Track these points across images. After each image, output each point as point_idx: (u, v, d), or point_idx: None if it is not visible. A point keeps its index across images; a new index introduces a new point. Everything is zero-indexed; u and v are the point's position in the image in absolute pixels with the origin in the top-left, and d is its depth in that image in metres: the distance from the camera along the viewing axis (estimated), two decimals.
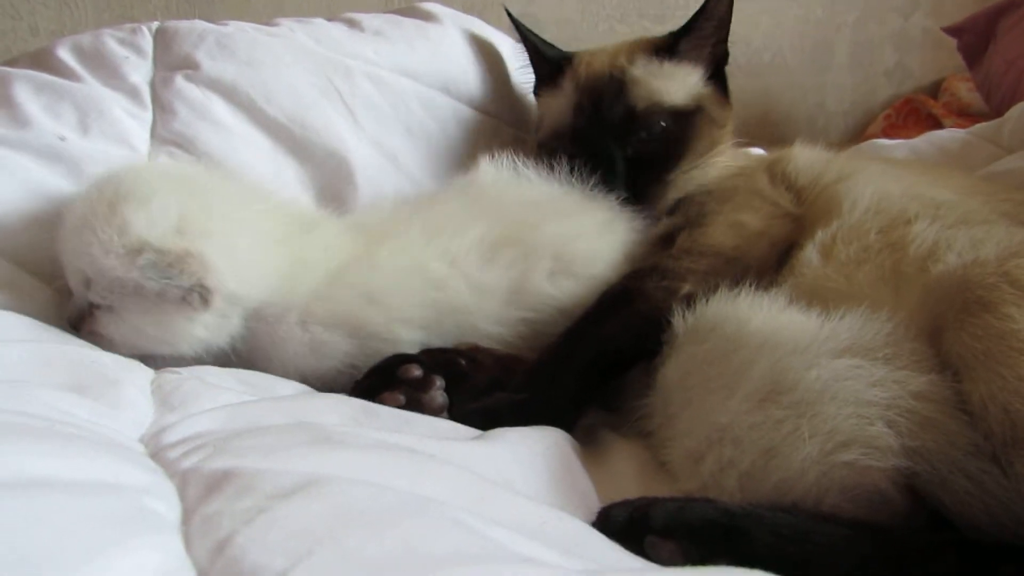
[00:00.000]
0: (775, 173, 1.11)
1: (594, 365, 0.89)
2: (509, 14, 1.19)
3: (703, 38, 1.16)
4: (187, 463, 0.55)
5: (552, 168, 1.04)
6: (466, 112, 1.25)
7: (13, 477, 0.38)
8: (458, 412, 0.86)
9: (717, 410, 0.75)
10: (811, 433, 0.67)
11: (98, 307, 0.84)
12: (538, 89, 1.23)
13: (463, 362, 0.94)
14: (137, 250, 0.80)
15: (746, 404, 0.74)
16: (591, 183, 1.04)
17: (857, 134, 2.54)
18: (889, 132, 2.20)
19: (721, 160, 1.16)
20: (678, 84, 1.13)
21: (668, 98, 1.12)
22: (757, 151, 1.52)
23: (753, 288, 0.86)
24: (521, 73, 1.28)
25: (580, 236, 0.99)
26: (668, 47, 1.15)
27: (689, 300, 0.88)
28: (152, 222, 0.81)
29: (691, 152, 1.12)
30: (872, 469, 0.65)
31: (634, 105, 1.11)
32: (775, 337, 0.78)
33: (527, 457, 0.74)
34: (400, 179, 1.13)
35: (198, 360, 0.86)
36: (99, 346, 0.84)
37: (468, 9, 2.30)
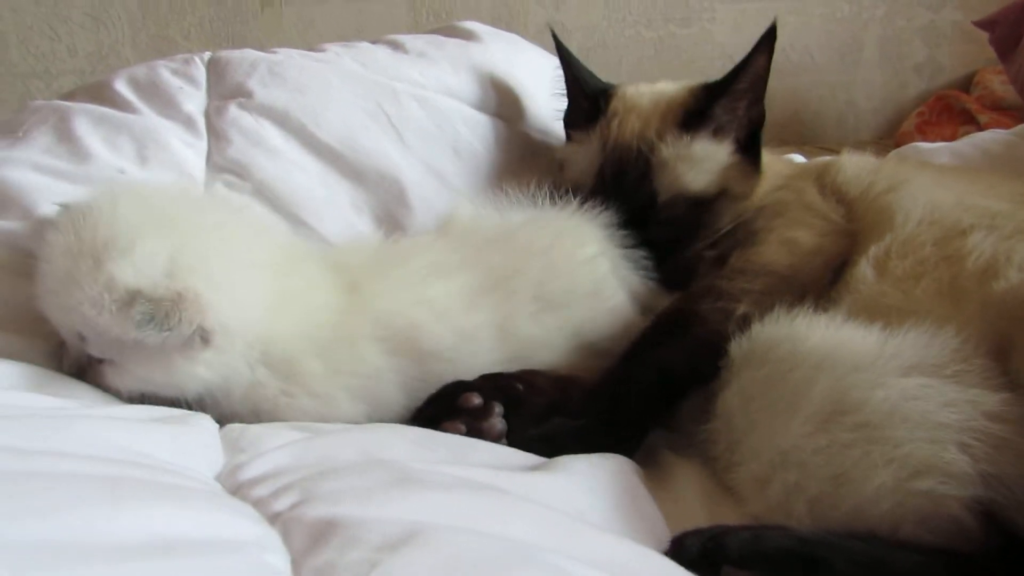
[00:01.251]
0: (824, 184, 1.10)
1: (653, 390, 0.89)
2: (555, 37, 1.18)
3: (736, 98, 1.09)
4: (279, 505, 0.56)
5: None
6: (509, 130, 1.26)
7: (147, 540, 0.39)
8: (518, 439, 0.87)
9: (779, 433, 0.75)
10: (883, 460, 0.67)
11: (100, 361, 0.81)
12: (569, 118, 1.20)
13: (520, 387, 0.95)
14: (129, 303, 0.75)
15: (808, 426, 0.74)
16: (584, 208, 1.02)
17: (889, 131, 2.53)
18: (923, 129, 2.18)
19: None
20: (705, 167, 1.08)
21: (692, 187, 1.07)
22: (797, 157, 1.52)
23: (809, 307, 0.85)
24: (555, 99, 1.24)
25: (560, 274, 0.97)
26: (701, 111, 1.09)
27: (745, 321, 0.88)
28: (139, 270, 0.76)
29: (709, 233, 1.07)
30: (949, 498, 0.65)
31: (656, 193, 1.07)
32: (835, 354, 0.78)
33: (595, 486, 0.75)
34: (450, 198, 1.14)
35: (202, 399, 0.83)
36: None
37: (496, 21, 2.32)
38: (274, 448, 0.75)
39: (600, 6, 2.41)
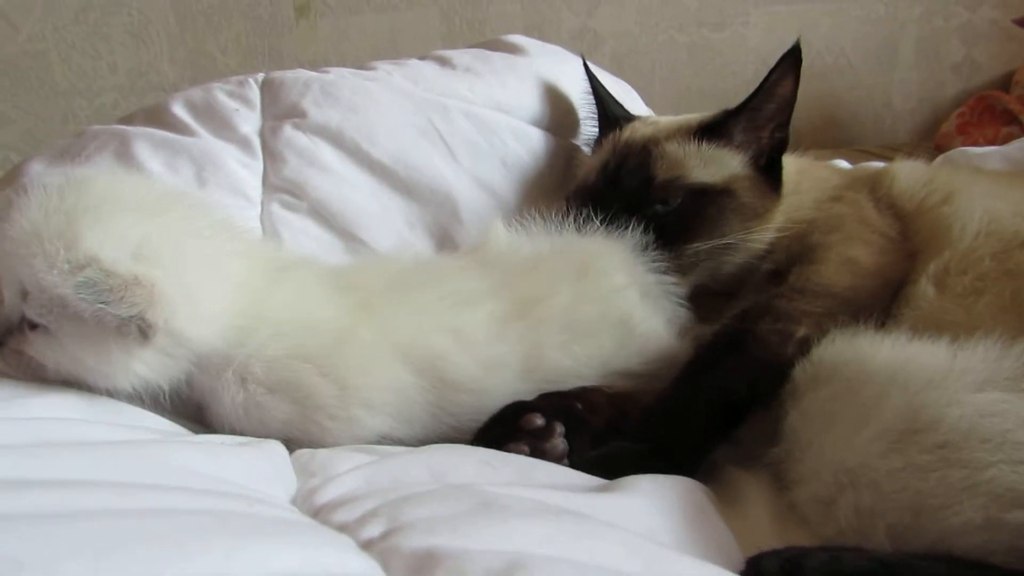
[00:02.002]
0: (879, 196, 1.08)
1: (713, 414, 0.89)
2: (585, 65, 1.19)
3: (759, 121, 1.07)
4: (370, 533, 0.57)
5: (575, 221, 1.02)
6: (555, 142, 1.27)
7: None
8: (579, 460, 0.86)
9: (842, 450, 0.74)
10: (967, 487, 0.65)
11: (34, 327, 0.76)
12: (596, 146, 1.20)
13: (579, 405, 0.95)
14: (82, 266, 0.71)
15: (878, 444, 0.72)
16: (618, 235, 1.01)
17: (926, 132, 2.50)
18: (964, 130, 2.16)
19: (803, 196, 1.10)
20: (709, 165, 1.06)
21: (691, 175, 1.06)
22: (842, 163, 1.50)
23: (870, 327, 0.84)
24: (586, 124, 1.25)
25: (589, 302, 0.95)
26: (716, 128, 1.08)
27: (804, 343, 0.88)
28: (106, 240, 0.73)
29: (708, 233, 1.03)
30: None
31: (653, 176, 1.06)
32: (905, 370, 0.76)
33: (666, 507, 0.74)
34: (500, 212, 1.15)
35: (134, 397, 0.80)
36: (18, 368, 0.78)
37: (529, 29, 2.32)
38: (345, 471, 0.75)
39: (632, 12, 2.41)
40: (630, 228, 1.01)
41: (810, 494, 0.76)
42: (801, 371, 0.86)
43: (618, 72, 1.21)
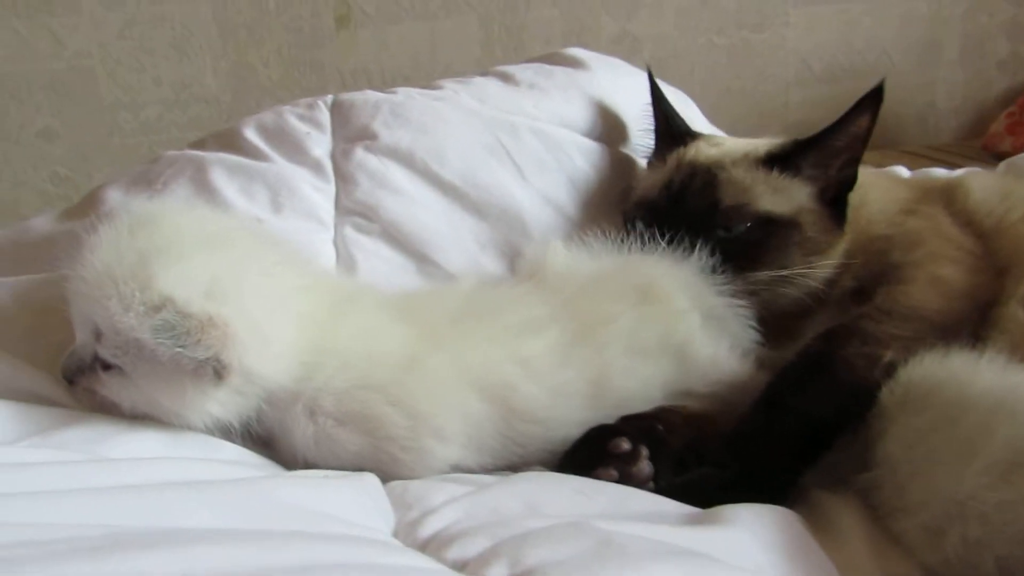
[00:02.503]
0: (955, 212, 1.07)
1: (800, 438, 0.88)
2: (650, 75, 1.18)
3: (830, 155, 1.04)
4: (495, 574, 0.57)
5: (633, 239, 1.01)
6: (617, 156, 1.26)
7: None
8: (666, 486, 0.86)
9: (952, 481, 0.73)
10: None
11: (107, 367, 0.76)
12: (653, 159, 1.18)
13: (660, 427, 0.95)
14: (157, 307, 0.72)
15: (987, 477, 0.71)
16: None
17: (971, 131, 2.47)
18: (1014, 130, 2.13)
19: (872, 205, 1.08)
20: (777, 195, 1.04)
21: (758, 203, 1.03)
22: (901, 170, 1.48)
23: (961, 348, 0.83)
24: (642, 136, 1.23)
25: (651, 325, 0.95)
26: (786, 157, 1.05)
27: (891, 368, 0.87)
28: (179, 280, 0.73)
29: (769, 263, 1.01)
30: None
31: (719, 200, 1.03)
32: (1010, 399, 0.75)
33: (769, 541, 0.74)
34: (568, 229, 1.14)
35: (206, 433, 0.80)
36: (90, 406, 0.78)
37: (568, 34, 2.32)
38: (442, 503, 0.75)
39: (671, 15, 2.39)
40: (692, 250, 1.00)
41: (918, 524, 0.75)
42: (889, 393, 0.85)
43: (657, 76, 1.20)
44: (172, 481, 0.65)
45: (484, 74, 1.25)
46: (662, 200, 1.08)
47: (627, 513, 0.78)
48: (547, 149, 1.16)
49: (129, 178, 1.04)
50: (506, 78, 1.23)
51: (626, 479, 0.86)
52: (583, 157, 1.20)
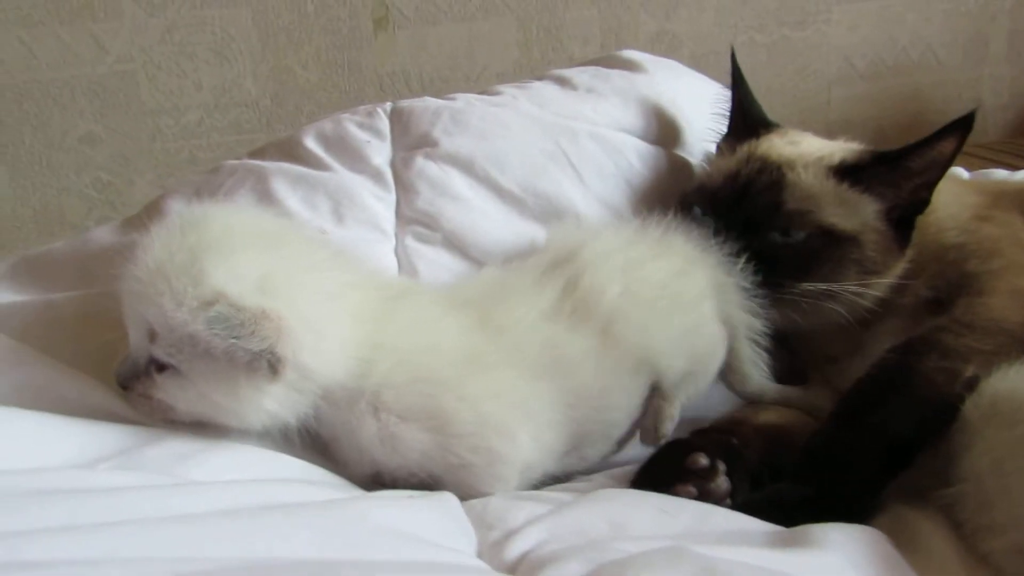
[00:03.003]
0: None
1: (881, 454, 0.86)
2: (733, 59, 1.15)
3: (905, 176, 1.00)
4: None
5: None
6: (674, 159, 1.24)
7: None
8: (745, 503, 0.85)
9: None
10: None
11: (162, 369, 0.76)
12: (722, 143, 1.16)
13: (735, 441, 0.93)
14: (210, 302, 0.72)
15: None
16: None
17: (1019, 129, 2.42)
18: None
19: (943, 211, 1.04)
20: (843, 207, 1.01)
21: (823, 212, 1.00)
22: (960, 172, 1.44)
23: None
24: (713, 119, 1.21)
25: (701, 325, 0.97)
26: (858, 170, 1.02)
27: (971, 383, 0.85)
28: (232, 275, 0.73)
29: (822, 276, 0.98)
30: None
31: (783, 201, 1.00)
32: None
33: (862, 563, 0.72)
34: None
35: (264, 435, 0.80)
36: (148, 413, 0.78)
37: (607, 33, 2.29)
38: (524, 523, 0.74)
39: (711, 13, 2.36)
40: (743, 247, 0.98)
41: (1007, 545, 0.74)
42: (973, 407, 0.83)
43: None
44: (264, 504, 0.63)
45: (540, 78, 1.23)
46: (725, 190, 1.05)
47: (711, 532, 0.77)
48: (606, 153, 1.15)
49: (190, 189, 1.04)
50: (563, 82, 1.21)
51: (704, 495, 0.85)
52: (641, 161, 1.18)
